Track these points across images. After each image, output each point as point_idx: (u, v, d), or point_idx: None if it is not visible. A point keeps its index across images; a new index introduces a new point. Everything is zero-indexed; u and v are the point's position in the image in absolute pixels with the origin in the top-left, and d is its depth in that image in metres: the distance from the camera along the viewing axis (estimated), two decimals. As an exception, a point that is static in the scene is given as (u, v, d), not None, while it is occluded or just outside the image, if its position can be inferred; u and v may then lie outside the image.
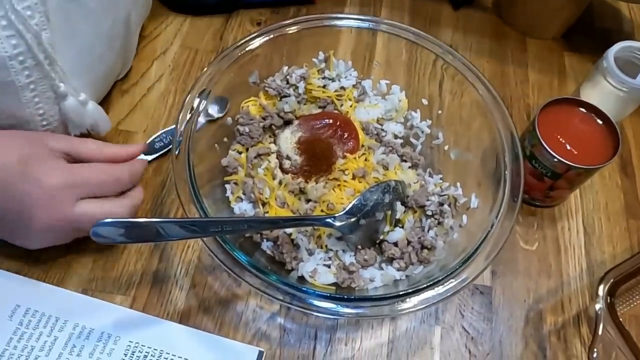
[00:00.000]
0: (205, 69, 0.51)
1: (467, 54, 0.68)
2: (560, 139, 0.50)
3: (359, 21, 0.55)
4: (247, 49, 0.52)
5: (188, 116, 0.48)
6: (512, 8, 0.71)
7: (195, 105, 0.49)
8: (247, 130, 0.53)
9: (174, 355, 0.45)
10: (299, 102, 0.56)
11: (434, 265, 0.47)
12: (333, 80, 0.57)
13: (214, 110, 0.53)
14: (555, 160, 0.49)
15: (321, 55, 0.58)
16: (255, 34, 0.52)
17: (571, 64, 0.69)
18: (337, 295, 0.41)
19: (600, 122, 0.51)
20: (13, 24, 0.40)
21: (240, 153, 0.54)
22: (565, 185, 0.52)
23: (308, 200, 0.50)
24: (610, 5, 0.75)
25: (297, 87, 0.56)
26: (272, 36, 0.53)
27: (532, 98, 0.65)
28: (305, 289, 0.41)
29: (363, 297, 0.43)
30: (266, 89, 0.56)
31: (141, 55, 0.64)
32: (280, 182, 0.51)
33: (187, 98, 0.49)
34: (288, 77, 0.56)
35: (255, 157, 0.53)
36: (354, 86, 0.58)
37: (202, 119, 0.49)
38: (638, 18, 0.74)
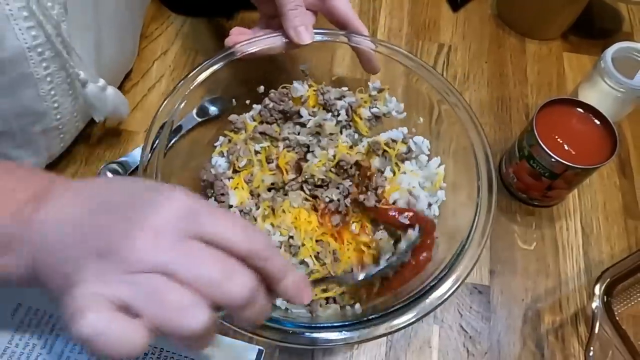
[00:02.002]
0: (201, 65, 0.50)
1: (466, 55, 0.69)
2: (558, 139, 0.51)
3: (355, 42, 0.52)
4: (246, 51, 0.51)
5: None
6: (511, 9, 0.71)
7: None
8: (271, 105, 0.53)
9: (174, 353, 0.45)
10: (337, 125, 0.53)
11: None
12: (384, 115, 0.54)
13: (212, 110, 0.54)
14: (553, 160, 0.49)
15: (377, 83, 0.54)
16: (257, 39, 0.51)
17: (570, 64, 0.69)
18: (331, 324, 0.38)
19: (598, 123, 0.51)
20: (34, 14, 0.40)
21: (254, 121, 0.54)
22: (564, 185, 0.52)
23: (270, 189, 0.49)
24: (609, 6, 0.75)
25: (338, 114, 0.53)
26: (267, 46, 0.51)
27: (531, 98, 0.66)
28: (297, 323, 0.38)
29: (357, 320, 0.39)
30: (315, 92, 0.53)
31: (142, 55, 0.65)
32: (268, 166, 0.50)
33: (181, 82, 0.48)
34: (337, 99, 0.53)
35: (260, 133, 0.51)
36: (403, 141, 0.52)
37: (199, 117, 0.50)
38: (637, 19, 0.74)
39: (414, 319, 0.37)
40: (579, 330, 0.50)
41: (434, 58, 0.69)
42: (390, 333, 0.38)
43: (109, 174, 0.54)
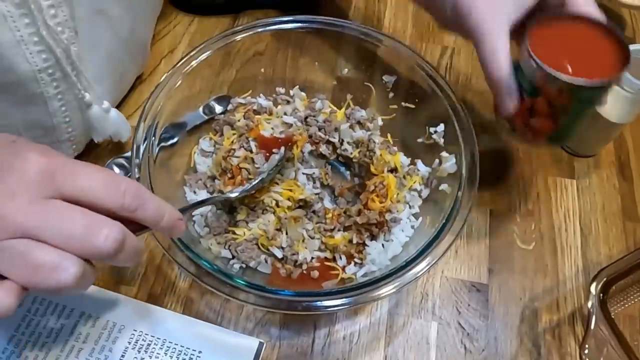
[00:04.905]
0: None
1: (469, 57, 0.69)
2: (557, 54, 0.42)
3: (361, 34, 0.55)
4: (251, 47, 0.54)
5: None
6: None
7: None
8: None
9: (176, 345, 0.46)
10: None
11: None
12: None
13: (219, 109, 0.56)
14: (534, 64, 0.41)
15: (441, 127, 0.53)
16: (257, 27, 0.53)
17: (572, 67, 0.70)
18: (316, 292, 0.43)
19: (609, 43, 0.42)
20: (44, 39, 0.41)
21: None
22: (545, 108, 0.43)
23: None
24: (611, 11, 0.75)
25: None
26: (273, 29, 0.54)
27: (533, 101, 0.66)
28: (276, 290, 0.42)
29: (339, 289, 0.43)
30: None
31: (150, 53, 0.66)
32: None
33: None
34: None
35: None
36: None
37: (205, 115, 0.52)
38: (639, 24, 0.75)
39: (394, 290, 0.42)
40: (576, 329, 0.50)
41: (437, 60, 0.69)
42: (379, 299, 0.44)
43: (116, 169, 0.55)
